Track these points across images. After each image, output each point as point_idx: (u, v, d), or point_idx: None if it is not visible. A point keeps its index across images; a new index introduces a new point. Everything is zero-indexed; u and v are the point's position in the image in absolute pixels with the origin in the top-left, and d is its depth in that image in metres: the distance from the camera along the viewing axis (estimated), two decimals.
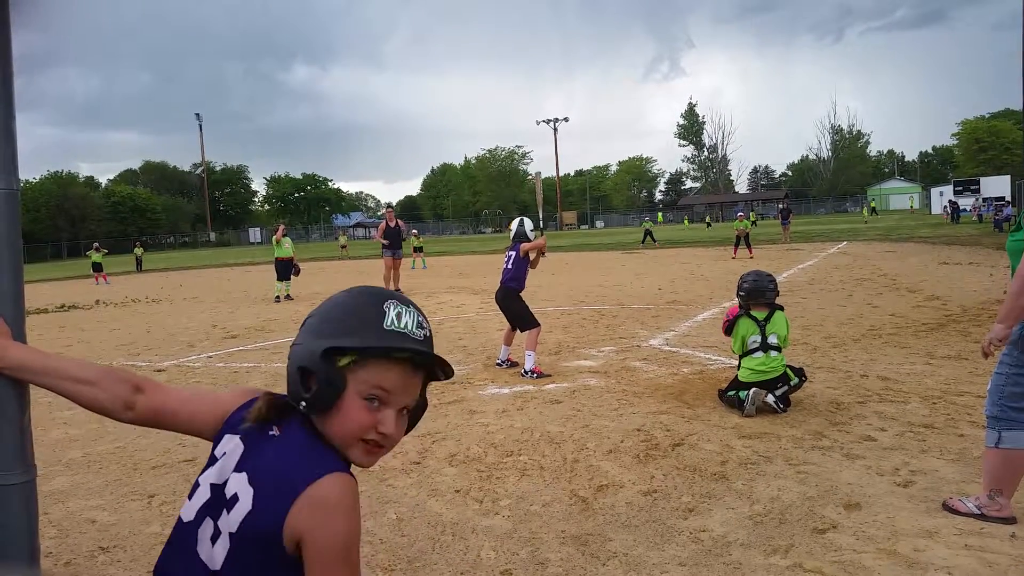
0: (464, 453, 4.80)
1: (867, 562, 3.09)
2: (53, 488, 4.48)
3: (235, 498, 1.16)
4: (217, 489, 1.19)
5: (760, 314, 5.58)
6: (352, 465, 1.23)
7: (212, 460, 1.25)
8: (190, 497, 1.23)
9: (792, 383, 5.42)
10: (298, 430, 1.20)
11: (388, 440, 1.22)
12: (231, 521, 1.14)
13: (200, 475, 1.24)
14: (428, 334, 1.25)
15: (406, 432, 1.28)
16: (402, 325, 1.20)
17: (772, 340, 5.47)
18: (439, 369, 1.26)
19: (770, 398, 5.29)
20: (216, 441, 1.26)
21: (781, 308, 5.70)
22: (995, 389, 3.45)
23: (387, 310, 1.20)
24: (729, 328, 5.67)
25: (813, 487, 3.94)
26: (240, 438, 1.22)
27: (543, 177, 9.59)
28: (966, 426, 4.84)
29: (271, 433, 1.21)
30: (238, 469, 1.18)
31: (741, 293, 5.71)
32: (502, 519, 3.74)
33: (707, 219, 70.76)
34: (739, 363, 5.61)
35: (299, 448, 1.18)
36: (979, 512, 3.46)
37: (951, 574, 2.96)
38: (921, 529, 3.37)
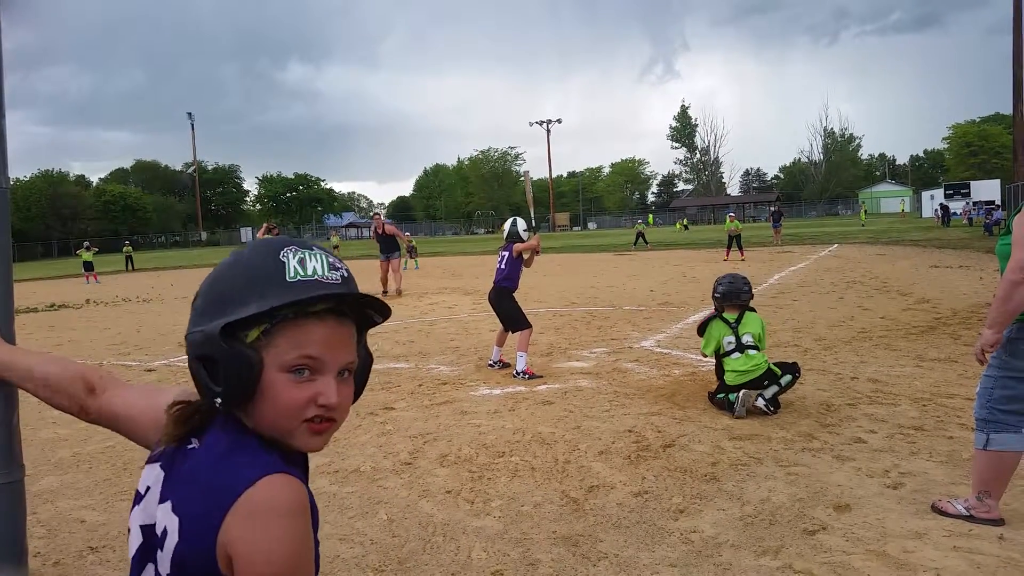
0: (455, 454, 4.80)
1: (856, 563, 3.10)
2: (42, 488, 4.45)
3: (164, 533, 0.98)
4: (148, 530, 1.02)
5: (731, 316, 5.67)
6: (307, 459, 1.08)
7: (137, 497, 1.07)
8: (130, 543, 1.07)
9: (782, 382, 5.42)
10: (219, 435, 1.00)
11: (337, 412, 1.00)
12: (163, 560, 0.98)
13: (130, 516, 1.07)
14: (346, 274, 1.03)
15: (357, 395, 1.08)
16: (309, 272, 0.99)
17: (747, 340, 5.54)
18: (372, 312, 1.06)
19: (760, 401, 5.32)
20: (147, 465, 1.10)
21: (753, 309, 5.78)
22: (983, 392, 3.48)
23: (286, 259, 0.99)
24: (701, 329, 5.77)
25: (803, 488, 3.96)
26: (160, 465, 1.04)
27: (535, 178, 9.58)
28: (955, 428, 4.87)
29: (190, 447, 1.02)
30: (162, 499, 1.00)
31: (716, 295, 5.81)
32: (493, 520, 3.73)
33: (683, 221, 70.78)
34: (718, 366, 5.66)
35: (221, 455, 0.97)
36: (968, 514, 3.48)
37: (940, 575, 2.97)
38: (910, 531, 3.39)
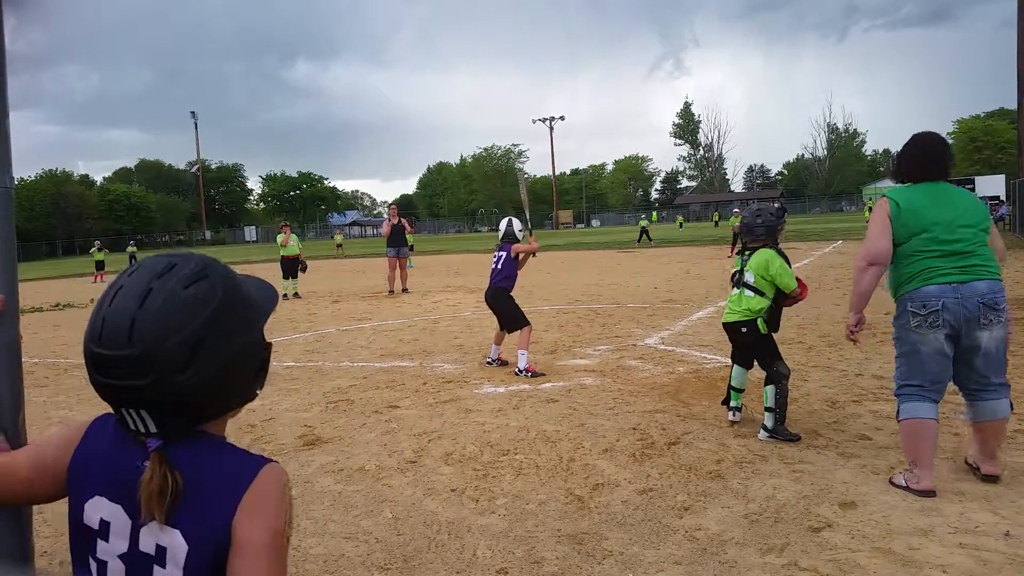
0: (460, 452, 4.80)
1: (862, 561, 3.10)
2: None
3: (161, 549, 1.06)
4: (132, 556, 1.08)
5: (749, 251, 5.23)
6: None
7: (91, 533, 1.10)
8: None
9: (770, 404, 4.79)
10: (192, 447, 1.08)
11: None
12: (168, 574, 1.06)
13: (91, 552, 1.11)
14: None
15: None
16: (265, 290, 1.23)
17: (748, 278, 5.03)
18: None
19: (762, 434, 4.79)
20: (76, 508, 1.12)
21: (770, 246, 5.20)
22: (896, 369, 3.91)
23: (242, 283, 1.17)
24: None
25: (808, 486, 3.95)
26: (107, 499, 1.09)
27: (537, 176, 9.49)
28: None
29: (137, 466, 1.07)
30: (138, 525, 1.07)
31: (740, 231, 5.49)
32: (498, 518, 3.74)
33: (680, 219, 70.40)
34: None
35: (212, 462, 1.09)
36: (906, 485, 3.78)
37: (946, 572, 2.97)
38: (916, 528, 3.38)
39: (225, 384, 1.09)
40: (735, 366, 5.22)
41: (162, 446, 1.05)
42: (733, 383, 5.21)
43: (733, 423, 5.13)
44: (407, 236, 16.38)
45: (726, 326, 5.16)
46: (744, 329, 4.98)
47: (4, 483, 1.16)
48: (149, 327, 1.02)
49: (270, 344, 1.18)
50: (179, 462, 1.06)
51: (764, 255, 5.06)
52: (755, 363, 5.14)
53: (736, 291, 5.10)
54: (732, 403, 5.21)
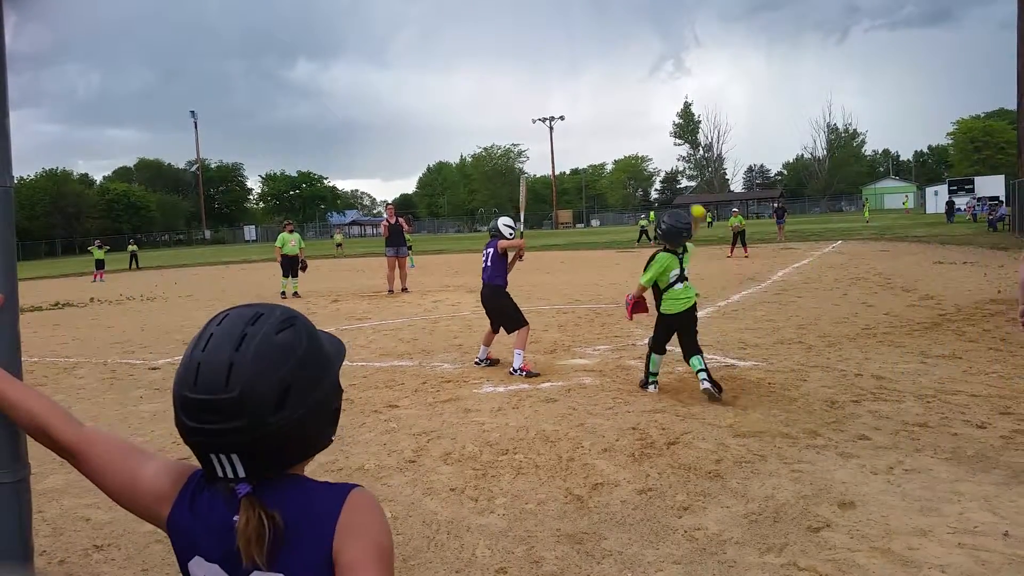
0: (459, 451, 4.80)
1: (861, 560, 3.10)
2: (47, 486, 4.46)
3: None
4: None
5: (678, 248, 6.10)
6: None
7: None
8: None
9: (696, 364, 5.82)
10: (284, 491, 1.11)
11: None
12: None
13: None
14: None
15: None
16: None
17: (687, 272, 6.12)
18: None
19: (705, 384, 5.69)
20: (182, 564, 1.16)
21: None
22: None
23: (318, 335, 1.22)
24: (648, 262, 6.18)
25: (807, 486, 3.96)
26: (217, 564, 1.12)
27: (534, 176, 9.40)
28: (960, 425, 4.86)
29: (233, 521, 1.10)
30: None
31: (659, 231, 6.26)
32: (497, 517, 3.74)
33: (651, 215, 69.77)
34: (659, 298, 6.11)
35: (306, 503, 1.11)
36: None
37: (944, 572, 2.97)
38: (915, 528, 3.39)
39: (309, 428, 1.13)
40: (660, 354, 6.15)
41: (251, 491, 1.08)
42: (655, 368, 6.18)
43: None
44: (405, 236, 16.34)
45: (685, 313, 6.00)
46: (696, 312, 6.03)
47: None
48: (246, 371, 1.06)
49: (343, 391, 1.23)
50: (270, 504, 1.08)
51: (690, 252, 6.23)
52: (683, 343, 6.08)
53: (679, 286, 6.05)
54: (652, 381, 6.18)
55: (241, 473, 1.08)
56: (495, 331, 7.43)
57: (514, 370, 6.95)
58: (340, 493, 1.12)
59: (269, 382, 1.07)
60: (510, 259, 7.52)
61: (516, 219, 7.89)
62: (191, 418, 1.07)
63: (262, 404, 1.06)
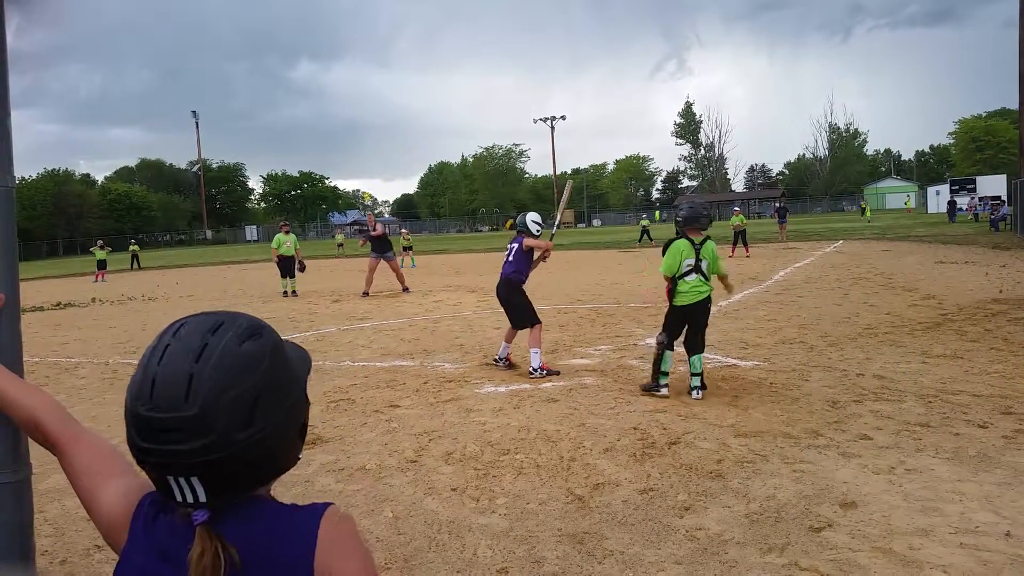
0: (461, 451, 4.80)
1: (862, 560, 3.10)
2: (49, 486, 4.47)
3: None
4: None
5: (696, 239, 6.00)
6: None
7: None
8: None
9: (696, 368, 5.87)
10: (247, 518, 1.03)
11: None
12: None
13: None
14: None
15: None
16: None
17: (703, 265, 5.96)
18: None
19: (695, 390, 5.80)
20: None
21: (710, 237, 6.12)
22: None
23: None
24: (664, 250, 6.09)
25: (809, 486, 3.95)
26: None
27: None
28: (961, 425, 4.86)
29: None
30: None
31: (678, 219, 6.19)
32: (499, 517, 3.74)
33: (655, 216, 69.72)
34: (673, 287, 6.00)
35: (272, 528, 1.03)
36: None
37: (946, 572, 2.97)
38: (917, 528, 3.38)
39: (278, 446, 1.04)
40: (671, 350, 6.01)
41: (209, 519, 0.99)
42: (667, 367, 6.00)
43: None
44: (404, 237, 16.48)
45: (696, 306, 5.91)
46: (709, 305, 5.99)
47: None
48: (207, 383, 0.97)
49: (310, 404, 1.14)
50: (232, 535, 1.00)
51: (713, 247, 6.04)
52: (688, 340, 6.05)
53: (693, 276, 5.93)
54: (664, 383, 6.00)
55: (202, 497, 0.98)
56: (515, 328, 7.31)
57: (533, 370, 6.87)
58: (313, 515, 1.04)
59: (233, 397, 0.97)
60: (535, 257, 7.43)
61: (550, 220, 7.76)
62: (146, 438, 0.97)
63: (226, 421, 0.96)
